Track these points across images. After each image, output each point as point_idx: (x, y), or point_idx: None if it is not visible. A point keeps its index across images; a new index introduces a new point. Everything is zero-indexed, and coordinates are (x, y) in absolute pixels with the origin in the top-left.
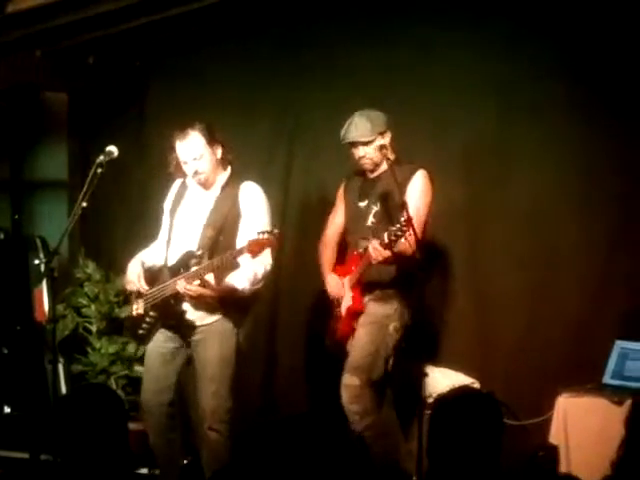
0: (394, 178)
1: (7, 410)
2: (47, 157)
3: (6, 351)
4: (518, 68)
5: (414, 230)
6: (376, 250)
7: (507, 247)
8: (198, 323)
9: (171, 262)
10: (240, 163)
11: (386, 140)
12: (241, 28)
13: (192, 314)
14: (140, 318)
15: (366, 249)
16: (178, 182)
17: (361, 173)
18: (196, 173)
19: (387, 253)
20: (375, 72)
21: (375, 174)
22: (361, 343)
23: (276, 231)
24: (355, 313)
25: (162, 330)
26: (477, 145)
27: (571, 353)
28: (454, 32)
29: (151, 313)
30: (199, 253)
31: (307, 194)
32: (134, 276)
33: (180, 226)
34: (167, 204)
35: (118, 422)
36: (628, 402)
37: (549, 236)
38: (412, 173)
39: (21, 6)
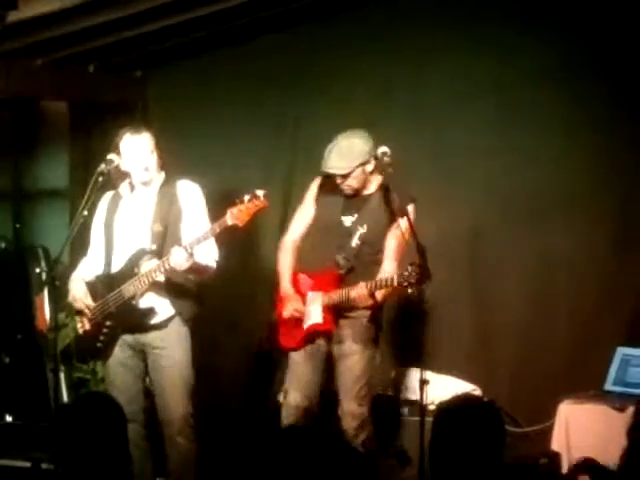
0: (387, 205)
1: (8, 419)
2: (48, 166)
3: (7, 360)
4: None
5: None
6: (362, 296)
7: (509, 254)
8: (159, 320)
9: (117, 267)
10: (242, 165)
11: (369, 167)
12: (241, 34)
13: (152, 310)
14: (91, 334)
15: (342, 267)
16: (108, 195)
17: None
18: (146, 169)
19: (370, 302)
20: (376, 75)
21: (365, 192)
22: (355, 372)
23: (260, 192)
24: (320, 332)
25: (118, 342)
26: (477, 148)
27: (573, 360)
28: (454, 35)
29: (107, 323)
30: (153, 247)
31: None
32: (81, 294)
33: (122, 233)
34: (99, 218)
35: (118, 430)
36: (630, 409)
37: (552, 241)
38: (404, 206)
39: (21, 16)
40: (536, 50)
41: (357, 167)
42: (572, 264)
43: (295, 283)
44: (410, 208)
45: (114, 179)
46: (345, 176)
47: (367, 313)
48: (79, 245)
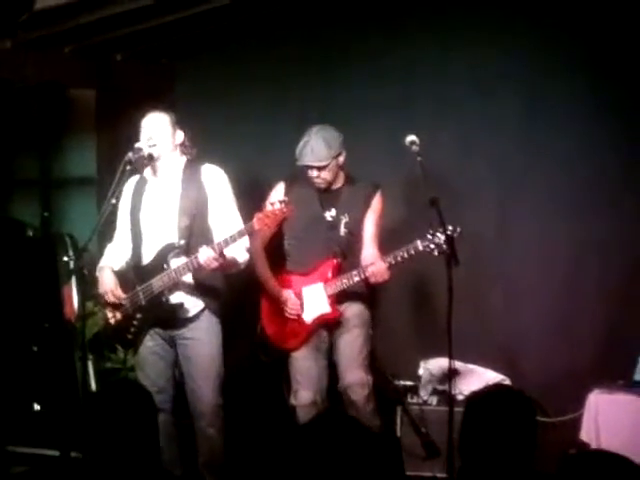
0: (358, 194)
1: (37, 407)
2: (76, 154)
3: (36, 349)
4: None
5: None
6: (380, 271)
7: (537, 244)
8: (188, 315)
9: (147, 259)
10: (266, 155)
11: (340, 160)
12: (266, 26)
13: (181, 306)
14: (122, 325)
15: (338, 256)
16: (134, 179)
17: (308, 181)
18: (150, 140)
19: (387, 276)
20: (397, 68)
21: (335, 187)
22: (357, 344)
23: (287, 199)
24: (327, 320)
25: (148, 332)
26: (503, 143)
27: (602, 349)
28: (478, 25)
29: (138, 316)
30: (181, 243)
31: None
32: (111, 285)
33: (148, 219)
34: (124, 204)
35: (148, 418)
36: None
37: (579, 233)
38: (374, 191)
39: (49, 3)
40: (562, 43)
41: (334, 158)
42: (602, 254)
43: (288, 284)
44: (378, 194)
45: (140, 165)
46: (322, 168)
47: (364, 297)
48: (107, 233)
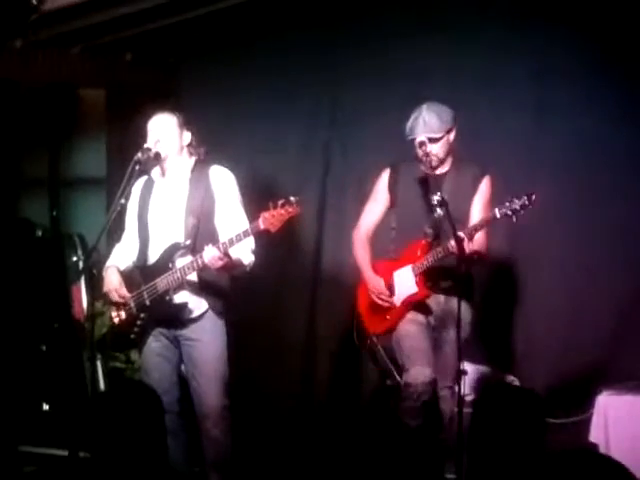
0: (465, 177)
1: (46, 407)
2: (85, 154)
3: (44, 348)
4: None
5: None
6: (460, 245)
7: (546, 246)
8: (192, 315)
9: (153, 259)
10: (273, 157)
11: (451, 137)
12: (274, 26)
13: (185, 306)
14: (126, 325)
15: (429, 237)
16: (142, 180)
17: (413, 166)
18: (158, 142)
19: (470, 250)
20: (411, 63)
21: (440, 170)
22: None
23: (294, 198)
24: (415, 302)
25: (152, 332)
26: (513, 143)
27: (612, 350)
28: (493, 21)
29: (142, 315)
30: (187, 243)
31: (344, 188)
32: (116, 284)
33: (156, 220)
34: (132, 204)
35: (155, 419)
36: None
37: (589, 234)
38: (482, 175)
39: (58, 3)
40: (574, 42)
41: (446, 133)
42: (611, 254)
43: (382, 272)
44: (487, 178)
45: (148, 166)
46: (434, 141)
47: (463, 289)
48: (116, 233)
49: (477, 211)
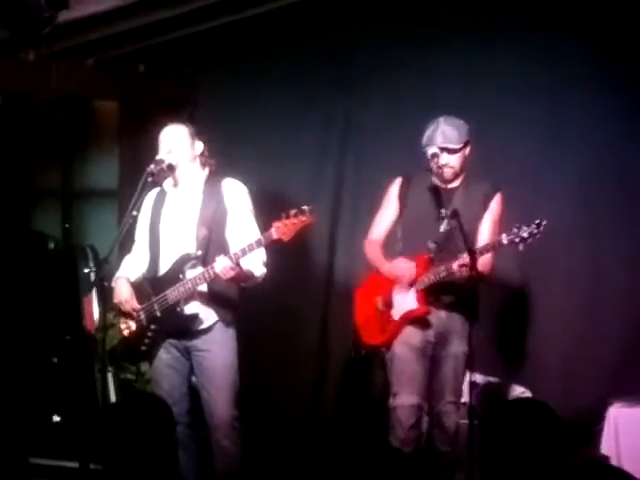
0: (477, 193)
1: (56, 419)
2: (98, 166)
3: (56, 360)
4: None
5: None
6: (462, 267)
7: (558, 259)
8: (202, 326)
9: (164, 270)
10: (289, 169)
11: (467, 151)
12: (289, 37)
13: (196, 316)
14: (136, 336)
15: (432, 252)
16: (154, 192)
17: (426, 177)
18: (170, 152)
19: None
20: (420, 77)
21: (452, 185)
22: (461, 372)
23: (307, 207)
24: (414, 318)
25: (162, 343)
26: (523, 156)
27: (623, 362)
28: (503, 31)
29: (152, 327)
30: (198, 254)
31: (357, 200)
32: (127, 295)
33: (167, 232)
34: (144, 215)
35: (166, 431)
36: None
37: (601, 241)
38: (493, 192)
39: (72, 16)
40: (588, 57)
41: (464, 146)
42: (624, 268)
43: (380, 281)
44: (498, 195)
45: (160, 177)
46: (453, 152)
47: (466, 304)
48: (128, 245)
49: (486, 229)
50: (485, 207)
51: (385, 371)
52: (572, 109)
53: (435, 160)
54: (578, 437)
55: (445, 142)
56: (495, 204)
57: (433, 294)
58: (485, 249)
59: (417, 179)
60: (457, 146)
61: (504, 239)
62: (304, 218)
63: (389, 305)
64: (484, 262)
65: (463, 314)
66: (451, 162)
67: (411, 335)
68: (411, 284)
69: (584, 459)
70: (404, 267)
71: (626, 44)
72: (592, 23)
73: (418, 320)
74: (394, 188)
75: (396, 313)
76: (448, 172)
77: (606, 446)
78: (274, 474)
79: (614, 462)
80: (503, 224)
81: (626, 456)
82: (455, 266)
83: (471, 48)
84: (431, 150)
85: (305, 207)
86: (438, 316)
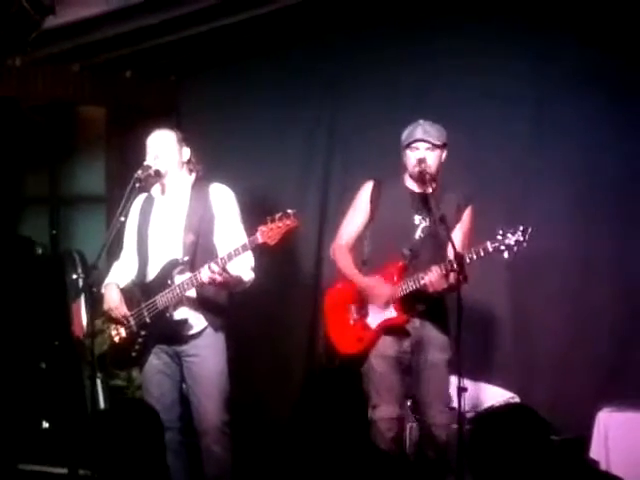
0: (449, 203)
1: (45, 425)
2: (84, 172)
3: (44, 366)
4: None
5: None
6: (436, 279)
7: (547, 263)
8: (192, 332)
9: (152, 276)
10: (274, 174)
11: (444, 156)
12: (274, 42)
13: (185, 322)
14: (126, 343)
15: (406, 259)
16: (141, 197)
17: (398, 182)
18: (157, 158)
19: (445, 284)
20: (409, 83)
21: (423, 190)
22: (444, 379)
23: (291, 211)
24: (391, 327)
25: (153, 349)
26: (513, 159)
27: (613, 367)
28: (492, 34)
29: (142, 333)
30: (185, 259)
31: (345, 203)
32: (116, 302)
33: (155, 237)
34: (132, 221)
35: (156, 438)
36: None
37: (591, 251)
38: (465, 204)
39: (58, 21)
40: (577, 51)
41: (442, 146)
42: (614, 271)
43: (353, 287)
44: (470, 208)
45: (148, 183)
46: (432, 148)
47: (443, 314)
48: (116, 251)
49: (458, 240)
50: (457, 218)
51: (362, 382)
52: (563, 109)
53: (414, 154)
54: (567, 442)
55: (425, 135)
56: (466, 216)
57: (408, 303)
58: (471, 258)
59: (389, 183)
60: (437, 142)
61: (489, 247)
62: (289, 222)
63: (364, 313)
64: (436, 280)
65: (437, 321)
66: (429, 159)
67: (387, 346)
68: (386, 305)
69: (574, 464)
70: (381, 290)
71: (618, 44)
72: (584, 23)
73: (396, 329)
74: (365, 191)
75: (372, 322)
76: (427, 167)
77: (595, 451)
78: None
79: (603, 467)
80: (472, 238)
81: (615, 460)
82: (425, 278)
83: (458, 50)
84: (410, 141)
85: (290, 211)
86: (412, 325)
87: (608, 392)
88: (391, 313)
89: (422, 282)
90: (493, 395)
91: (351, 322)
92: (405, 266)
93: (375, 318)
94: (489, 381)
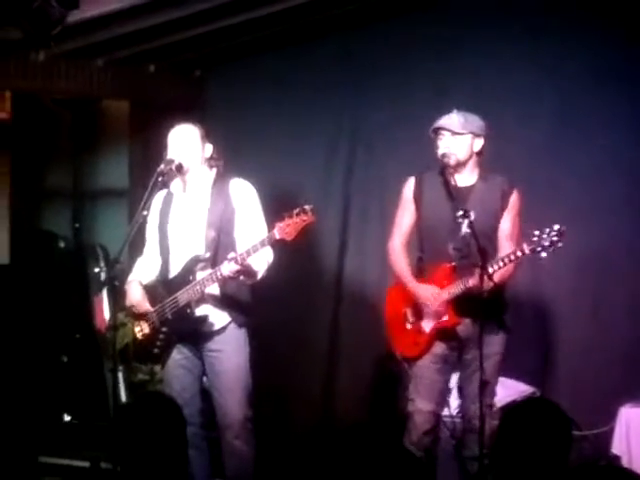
0: (493, 190)
1: (67, 418)
2: (108, 166)
3: (66, 359)
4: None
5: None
6: (485, 281)
7: (568, 259)
8: (214, 328)
9: (174, 272)
10: (298, 169)
11: (477, 145)
12: (299, 38)
13: (206, 318)
14: (149, 339)
15: (454, 260)
16: (162, 193)
17: (441, 176)
18: (179, 152)
19: (491, 284)
20: (433, 73)
21: (466, 184)
22: (492, 375)
23: (308, 207)
24: (445, 330)
25: (176, 345)
26: (533, 155)
27: (635, 363)
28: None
29: (163, 329)
30: (207, 256)
31: (367, 200)
32: (139, 298)
33: (176, 233)
34: (153, 218)
35: (177, 431)
36: None
37: (611, 247)
38: (510, 189)
39: (83, 16)
40: (598, 47)
41: (469, 133)
42: (633, 267)
43: (405, 292)
44: (516, 191)
45: (169, 178)
46: (454, 135)
47: (498, 311)
48: (138, 245)
49: (506, 227)
50: (503, 205)
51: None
52: (582, 107)
53: (437, 142)
54: (588, 437)
55: (445, 124)
56: (513, 202)
57: (459, 305)
58: (507, 260)
59: (429, 177)
60: (457, 130)
61: (526, 248)
62: (306, 217)
63: (419, 317)
64: (507, 271)
65: (490, 319)
66: (452, 147)
67: (435, 344)
68: (438, 309)
69: (595, 459)
70: (430, 294)
71: (635, 40)
72: (604, 21)
73: (449, 331)
74: (408, 188)
75: (427, 325)
76: (449, 158)
77: (617, 446)
78: (285, 477)
79: (625, 462)
80: (521, 224)
81: (637, 456)
82: (471, 283)
83: (478, 48)
84: (432, 128)
85: (307, 206)
86: (464, 323)
87: (630, 388)
88: (444, 317)
89: (468, 285)
90: (515, 390)
91: (408, 326)
92: (454, 267)
93: (429, 322)
94: (510, 376)
